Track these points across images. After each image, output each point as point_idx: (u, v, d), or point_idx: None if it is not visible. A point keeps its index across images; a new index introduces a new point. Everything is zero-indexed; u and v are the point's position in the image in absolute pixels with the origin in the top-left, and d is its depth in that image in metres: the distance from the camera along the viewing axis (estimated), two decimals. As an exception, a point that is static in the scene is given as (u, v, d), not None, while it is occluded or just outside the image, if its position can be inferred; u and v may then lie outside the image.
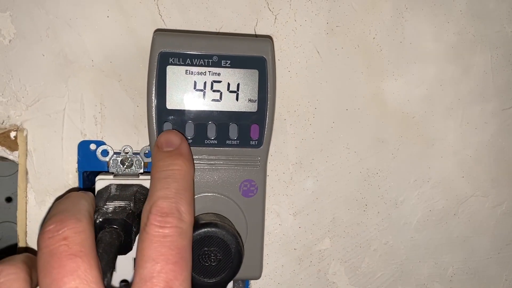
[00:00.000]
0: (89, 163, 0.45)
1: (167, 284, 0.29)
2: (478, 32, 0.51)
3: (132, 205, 0.39)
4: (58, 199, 0.43)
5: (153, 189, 0.33)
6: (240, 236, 0.38)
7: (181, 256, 0.30)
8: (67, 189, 0.45)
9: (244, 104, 0.40)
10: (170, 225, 0.31)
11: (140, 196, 0.41)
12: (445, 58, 0.51)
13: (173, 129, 0.39)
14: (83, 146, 0.45)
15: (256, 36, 0.46)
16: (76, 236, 0.29)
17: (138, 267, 0.30)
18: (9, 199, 0.56)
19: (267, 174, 0.47)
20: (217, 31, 0.46)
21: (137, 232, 0.38)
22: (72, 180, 0.45)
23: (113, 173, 0.44)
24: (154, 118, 0.39)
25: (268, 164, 0.44)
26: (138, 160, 0.45)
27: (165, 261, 0.29)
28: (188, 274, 0.31)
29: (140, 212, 0.40)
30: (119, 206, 0.38)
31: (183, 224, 0.32)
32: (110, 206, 0.38)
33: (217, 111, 0.39)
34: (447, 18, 0.50)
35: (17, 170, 0.45)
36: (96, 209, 0.38)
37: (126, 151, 0.45)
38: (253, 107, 0.40)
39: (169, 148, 0.37)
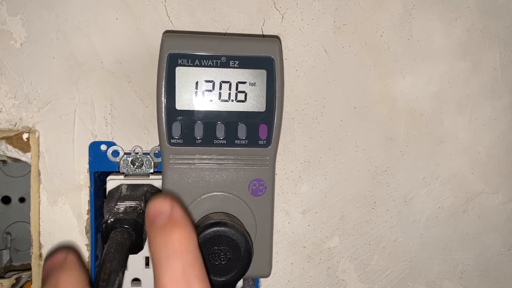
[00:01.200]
0: (100, 163, 0.45)
1: None
2: (486, 28, 0.51)
3: (142, 205, 0.39)
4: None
5: (157, 273, 0.29)
6: (249, 235, 0.39)
7: None
8: (79, 189, 0.45)
9: (252, 104, 0.40)
10: None
11: (151, 195, 0.42)
12: (453, 55, 0.51)
13: (163, 195, 0.33)
14: (94, 147, 0.45)
15: (263, 36, 0.47)
16: None
17: None
18: (22, 200, 0.57)
19: (276, 173, 0.47)
20: (225, 31, 0.46)
21: (148, 232, 0.39)
22: (83, 180, 0.45)
23: (123, 173, 0.45)
24: (163, 118, 0.39)
25: (276, 162, 0.45)
26: (148, 160, 0.46)
27: None
28: None
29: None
30: (130, 206, 0.39)
31: None
32: (121, 206, 0.39)
33: (225, 111, 0.40)
34: (455, 14, 0.50)
35: (30, 171, 0.45)
36: (108, 209, 0.38)
37: (136, 152, 0.46)
38: (261, 107, 0.40)
39: (160, 219, 0.31)
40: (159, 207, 0.32)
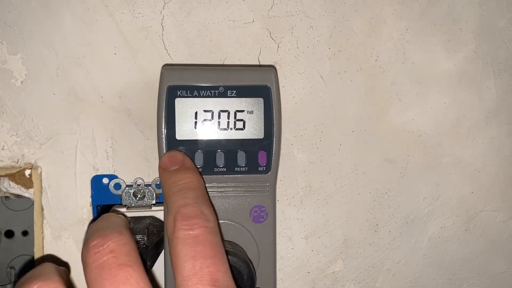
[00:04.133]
0: (103, 196, 0.46)
1: (211, 276, 0.29)
2: (479, 48, 0.52)
3: (145, 238, 0.39)
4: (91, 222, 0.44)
5: (171, 202, 0.34)
6: (252, 263, 0.39)
7: (217, 250, 0.30)
8: (82, 223, 0.46)
9: (250, 131, 0.40)
10: (198, 226, 0.31)
11: (153, 228, 0.42)
12: (448, 75, 0.51)
13: (175, 150, 0.40)
14: (96, 181, 0.46)
15: (260, 65, 0.47)
16: (122, 248, 0.29)
17: (177, 269, 0.30)
18: (25, 233, 0.57)
19: (277, 199, 0.48)
20: (222, 61, 0.47)
21: (151, 266, 0.39)
22: (86, 214, 0.46)
23: (126, 205, 0.45)
24: (164, 149, 0.39)
25: (277, 188, 0.45)
26: (150, 191, 0.46)
27: (203, 257, 0.29)
28: (228, 267, 0.31)
29: (154, 244, 0.40)
30: None
31: (210, 223, 0.32)
32: None
33: (225, 140, 0.40)
34: (448, 36, 0.51)
35: (32, 205, 0.46)
36: None
37: (138, 183, 0.46)
38: (259, 134, 0.40)
39: (174, 166, 0.38)
40: (173, 157, 0.38)
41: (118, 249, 0.29)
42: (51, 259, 0.46)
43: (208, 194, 0.38)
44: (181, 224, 0.31)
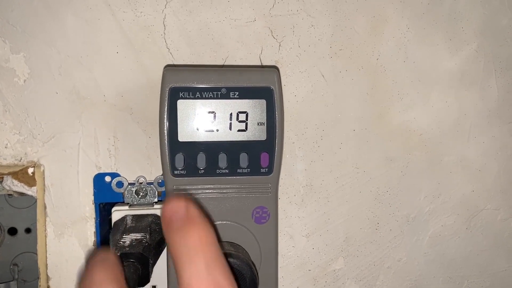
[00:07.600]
0: (105, 194, 0.46)
1: None
2: (481, 47, 0.52)
3: (148, 236, 0.40)
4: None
5: (180, 270, 0.29)
6: (254, 265, 0.39)
7: None
8: (84, 221, 0.46)
9: (253, 133, 0.40)
10: None
11: (155, 226, 0.42)
12: (449, 74, 0.51)
13: (176, 197, 0.33)
14: (99, 179, 0.46)
15: (262, 66, 0.47)
16: None
17: None
18: (28, 230, 0.58)
19: (279, 197, 0.48)
20: (224, 60, 0.47)
21: (153, 264, 0.39)
22: (89, 212, 0.46)
23: (128, 203, 0.46)
24: (167, 151, 0.40)
25: (279, 187, 0.45)
26: (152, 189, 0.46)
27: None
28: None
29: (156, 242, 0.41)
30: (135, 239, 0.39)
31: None
32: (127, 239, 0.39)
33: (227, 142, 0.40)
34: (449, 35, 0.51)
35: (35, 202, 0.46)
36: (114, 243, 0.39)
37: (140, 182, 0.46)
38: (262, 136, 0.41)
39: (177, 219, 0.31)
40: (175, 208, 0.32)
41: None
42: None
43: (223, 253, 0.32)
44: None
